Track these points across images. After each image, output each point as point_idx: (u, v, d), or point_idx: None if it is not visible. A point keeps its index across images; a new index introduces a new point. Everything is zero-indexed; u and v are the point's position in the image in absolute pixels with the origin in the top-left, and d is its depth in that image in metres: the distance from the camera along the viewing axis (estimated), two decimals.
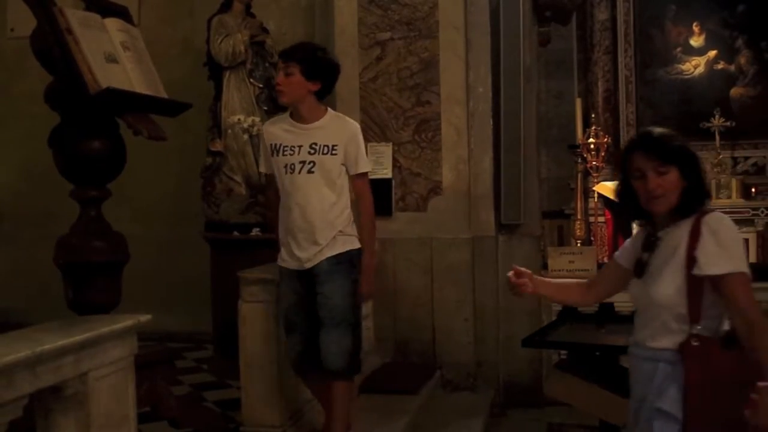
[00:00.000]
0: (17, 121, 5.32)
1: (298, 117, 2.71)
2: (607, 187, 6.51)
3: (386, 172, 4.15)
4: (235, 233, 4.27)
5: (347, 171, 2.71)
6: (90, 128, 2.72)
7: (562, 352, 3.53)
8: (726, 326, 1.86)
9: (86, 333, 1.74)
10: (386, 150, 4.18)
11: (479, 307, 4.09)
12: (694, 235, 1.82)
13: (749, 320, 1.78)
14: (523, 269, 2.06)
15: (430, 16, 4.20)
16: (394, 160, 4.18)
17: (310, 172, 2.64)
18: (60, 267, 2.74)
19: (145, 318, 1.93)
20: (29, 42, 2.73)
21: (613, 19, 8.07)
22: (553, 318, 3.75)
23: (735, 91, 7.98)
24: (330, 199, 2.65)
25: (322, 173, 2.64)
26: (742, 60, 7.96)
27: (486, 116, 4.18)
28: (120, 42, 2.82)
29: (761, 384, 1.63)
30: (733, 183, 7.70)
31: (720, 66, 8.02)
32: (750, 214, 7.62)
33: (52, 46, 2.56)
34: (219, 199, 4.35)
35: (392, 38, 4.22)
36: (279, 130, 2.73)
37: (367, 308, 3.92)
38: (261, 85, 4.37)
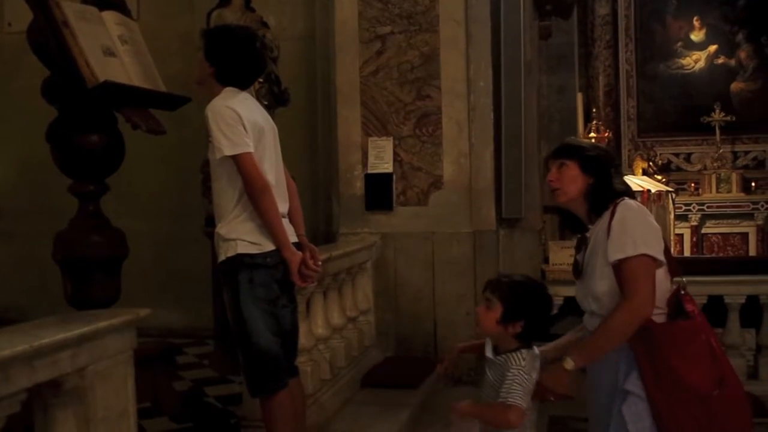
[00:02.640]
0: (15, 117, 5.29)
1: None
2: None
3: (387, 167, 4.13)
4: None
5: None
6: (88, 122, 2.70)
7: None
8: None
9: (84, 327, 1.72)
10: (387, 144, 4.16)
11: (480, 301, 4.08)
12: (608, 227, 1.89)
13: (629, 302, 1.81)
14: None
15: (430, 9, 4.18)
16: (395, 154, 4.17)
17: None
18: (58, 262, 2.73)
19: (143, 312, 1.91)
20: (26, 36, 2.71)
21: (614, 13, 8.06)
22: (555, 311, 3.74)
23: (735, 86, 7.97)
24: (216, 191, 2.40)
25: (212, 160, 2.37)
26: (743, 54, 7.95)
27: (487, 110, 4.17)
28: (118, 35, 2.80)
29: (567, 364, 1.84)
30: (734, 177, 7.70)
31: (720, 60, 8.01)
32: (750, 208, 7.62)
33: (49, 40, 2.55)
34: None
35: (393, 32, 4.20)
36: None
37: (368, 302, 3.92)
38: (261, 80, 4.35)
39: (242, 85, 2.47)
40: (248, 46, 2.48)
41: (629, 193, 1.99)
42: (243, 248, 2.33)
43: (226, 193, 2.36)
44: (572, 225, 2.07)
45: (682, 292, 1.90)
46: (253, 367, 2.39)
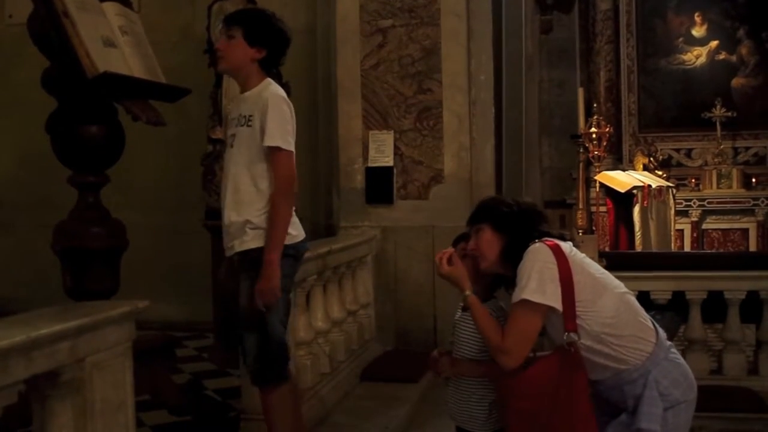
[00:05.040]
0: (15, 108, 5.28)
1: (239, 85, 2.43)
2: (609, 177, 6.49)
3: (387, 160, 4.13)
4: None
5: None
6: (88, 113, 2.69)
7: None
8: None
9: (83, 318, 1.72)
10: (387, 138, 4.15)
11: None
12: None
13: (500, 344, 1.86)
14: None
15: (431, 3, 4.17)
16: (396, 148, 4.16)
17: (231, 145, 2.36)
18: (58, 254, 2.72)
19: (143, 304, 1.91)
20: (26, 26, 2.70)
21: (615, 8, 8.03)
22: None
23: (736, 82, 7.95)
24: (243, 180, 2.30)
25: (240, 148, 2.33)
26: (744, 50, 7.93)
27: (488, 104, 4.16)
28: (118, 26, 2.78)
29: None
30: (734, 173, 7.69)
31: (721, 56, 7.99)
32: (750, 204, 7.62)
33: (49, 30, 2.53)
34: (219, 187, 4.31)
35: (394, 25, 4.18)
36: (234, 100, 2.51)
37: (368, 296, 3.92)
38: None
39: (270, 75, 2.43)
40: (288, 35, 2.45)
41: (545, 236, 1.93)
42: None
43: (260, 182, 2.30)
44: (507, 283, 2.02)
45: (571, 349, 1.84)
46: (268, 357, 2.32)
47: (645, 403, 1.84)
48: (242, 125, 2.32)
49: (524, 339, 1.85)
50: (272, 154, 2.29)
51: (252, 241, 2.29)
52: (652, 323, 1.94)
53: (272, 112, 2.28)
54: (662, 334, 1.93)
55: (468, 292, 1.96)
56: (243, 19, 2.39)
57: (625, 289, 1.94)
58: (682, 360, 1.95)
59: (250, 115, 2.31)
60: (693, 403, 1.92)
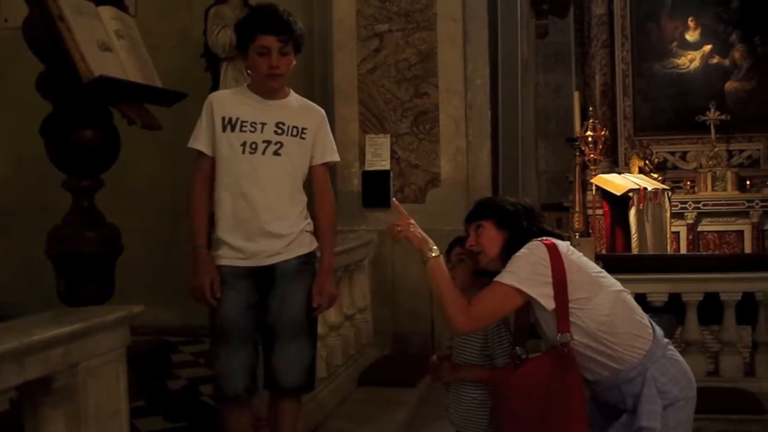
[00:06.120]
0: (10, 112, 5.26)
1: (262, 91, 2.32)
2: (605, 180, 6.50)
3: (384, 164, 4.13)
4: None
5: (312, 160, 2.36)
6: (83, 117, 2.67)
7: None
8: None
9: (77, 324, 1.70)
10: (384, 141, 4.15)
11: None
12: None
13: (466, 307, 1.87)
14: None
15: (428, 7, 4.18)
16: (393, 151, 4.16)
17: (276, 153, 2.27)
18: (52, 258, 2.70)
19: (137, 309, 1.89)
20: (21, 30, 2.68)
21: (610, 13, 8.08)
22: None
23: (730, 85, 8.00)
24: (295, 189, 2.32)
25: (290, 158, 2.29)
26: (737, 54, 7.99)
27: (484, 108, 4.17)
28: (114, 30, 2.77)
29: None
30: (728, 175, 7.72)
31: (715, 60, 8.04)
32: (745, 206, 7.66)
33: (44, 34, 2.52)
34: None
35: (390, 30, 4.19)
36: (235, 102, 2.32)
37: (365, 300, 3.90)
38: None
39: None
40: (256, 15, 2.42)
41: (545, 233, 1.94)
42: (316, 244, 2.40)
43: (301, 192, 2.37)
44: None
45: (565, 349, 1.84)
46: (314, 366, 2.38)
47: (644, 402, 1.83)
48: (294, 135, 2.30)
49: (492, 313, 1.88)
50: (325, 168, 2.41)
51: (308, 245, 2.35)
52: (649, 321, 1.94)
53: (327, 126, 2.41)
54: (659, 331, 1.93)
55: (433, 254, 1.94)
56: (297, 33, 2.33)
57: (621, 288, 1.94)
58: (680, 357, 1.95)
59: (304, 128, 2.32)
60: (693, 401, 1.91)
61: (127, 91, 2.70)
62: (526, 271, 1.84)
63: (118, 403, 1.86)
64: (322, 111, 2.43)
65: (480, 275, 1.99)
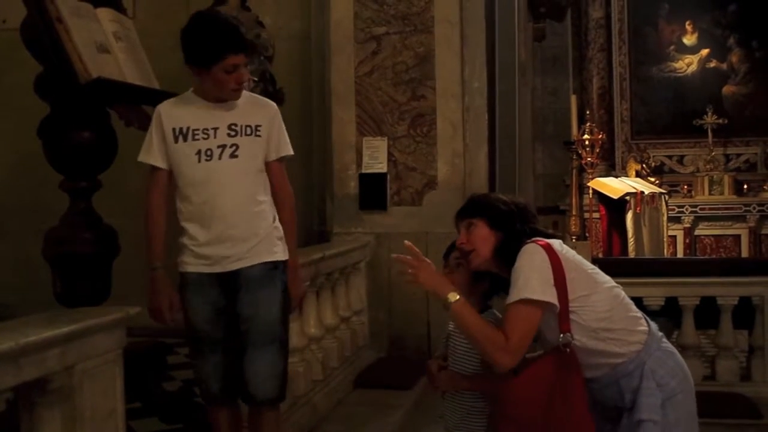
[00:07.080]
0: (8, 113, 5.25)
1: (212, 97, 2.25)
2: (602, 183, 6.51)
3: (381, 167, 4.13)
4: None
5: (267, 156, 2.29)
6: (80, 119, 2.67)
7: None
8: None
9: (73, 325, 1.70)
10: (381, 144, 4.16)
11: None
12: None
13: (505, 344, 1.79)
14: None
15: (425, 11, 4.19)
16: (389, 154, 4.17)
17: (233, 156, 2.20)
18: (49, 259, 2.70)
19: (133, 310, 1.89)
20: (19, 32, 2.68)
21: (608, 16, 8.10)
22: None
23: (727, 89, 8.03)
24: (256, 187, 2.25)
25: (247, 158, 2.23)
26: (734, 58, 8.01)
27: (481, 111, 4.17)
28: (112, 32, 2.77)
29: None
30: (726, 179, 7.74)
31: (712, 64, 8.07)
32: (742, 210, 7.68)
33: (42, 35, 2.52)
34: None
35: (388, 33, 4.20)
36: (184, 111, 2.26)
37: (361, 302, 3.90)
38: (256, 79, 4.33)
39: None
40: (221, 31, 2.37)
41: (537, 233, 1.91)
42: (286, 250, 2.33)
43: (266, 193, 2.30)
44: (500, 287, 1.98)
45: (567, 350, 1.82)
46: (286, 375, 2.33)
47: (643, 395, 1.83)
48: (248, 134, 2.24)
49: (527, 337, 1.81)
50: (281, 163, 2.32)
51: (281, 253, 2.29)
52: (642, 315, 1.94)
53: (280, 120, 2.31)
54: (653, 325, 1.93)
55: (453, 297, 1.84)
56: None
57: (614, 283, 1.93)
58: (674, 349, 1.95)
59: (258, 125, 2.25)
60: (691, 394, 1.91)
61: (125, 93, 2.71)
62: (536, 280, 1.80)
63: (114, 404, 1.86)
64: (274, 105, 2.35)
65: (478, 281, 1.96)
